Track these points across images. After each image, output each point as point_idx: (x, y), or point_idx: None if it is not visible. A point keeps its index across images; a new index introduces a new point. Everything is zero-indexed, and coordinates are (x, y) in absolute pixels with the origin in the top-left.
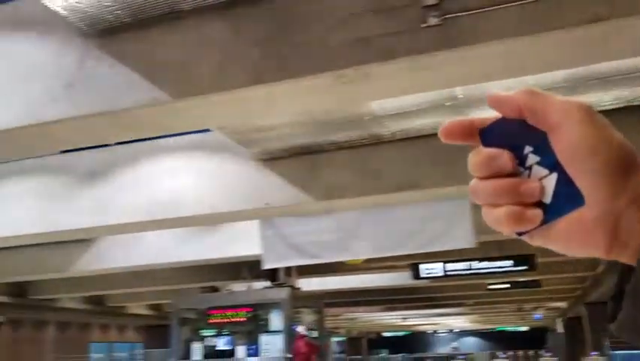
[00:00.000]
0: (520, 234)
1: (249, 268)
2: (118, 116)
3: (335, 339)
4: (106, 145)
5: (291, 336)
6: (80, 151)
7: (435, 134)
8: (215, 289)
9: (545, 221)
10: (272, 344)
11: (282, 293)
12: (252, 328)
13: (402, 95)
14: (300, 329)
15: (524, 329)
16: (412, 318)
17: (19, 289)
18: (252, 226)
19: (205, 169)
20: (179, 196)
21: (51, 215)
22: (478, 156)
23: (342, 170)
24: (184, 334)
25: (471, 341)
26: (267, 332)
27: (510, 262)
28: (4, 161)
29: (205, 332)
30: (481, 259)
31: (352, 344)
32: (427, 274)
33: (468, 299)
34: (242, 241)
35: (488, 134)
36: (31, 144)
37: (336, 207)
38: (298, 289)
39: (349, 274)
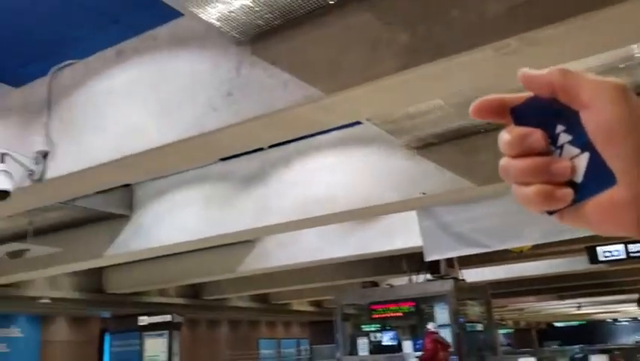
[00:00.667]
0: (550, 213)
1: (407, 261)
2: (274, 118)
3: (502, 331)
4: (260, 150)
5: (458, 330)
6: (237, 158)
7: None
8: (375, 284)
9: (576, 200)
10: None
11: (446, 285)
12: (416, 322)
13: (572, 60)
14: (430, 326)
15: None
16: (588, 306)
17: (194, 291)
18: (409, 217)
19: (356, 163)
20: (333, 192)
21: (217, 220)
22: (510, 134)
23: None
24: (348, 329)
25: None
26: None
27: None
28: (170, 174)
29: (369, 328)
30: None
31: (520, 336)
32: (605, 258)
33: None
34: (399, 234)
35: (520, 112)
36: (196, 154)
37: (497, 191)
38: (462, 280)
39: (515, 262)
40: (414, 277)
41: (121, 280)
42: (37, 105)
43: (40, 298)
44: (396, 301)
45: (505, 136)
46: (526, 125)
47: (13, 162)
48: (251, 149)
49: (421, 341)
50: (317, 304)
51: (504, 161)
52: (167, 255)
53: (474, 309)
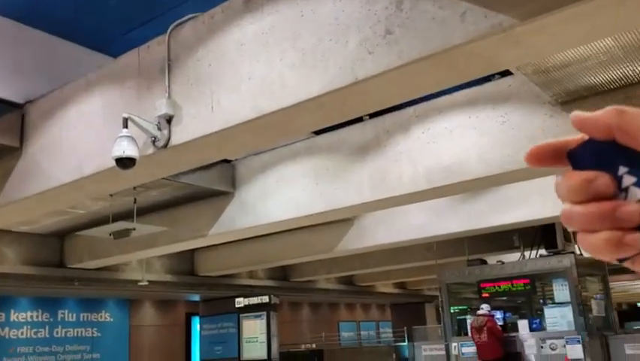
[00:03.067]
0: (621, 260)
1: (520, 236)
2: (448, 56)
3: None
4: (374, 115)
5: (579, 307)
6: (348, 127)
7: None
8: (483, 262)
9: None
10: (559, 317)
11: (565, 261)
12: (529, 300)
13: None
14: (483, 307)
15: None
16: None
17: (283, 273)
18: (524, 188)
19: (489, 124)
20: (462, 158)
21: (329, 194)
22: (573, 179)
23: None
24: (453, 308)
25: None
26: (552, 303)
27: None
28: (276, 146)
29: (474, 307)
30: None
31: None
32: None
33: None
34: (511, 206)
35: (577, 156)
36: (347, 108)
37: None
38: (580, 255)
39: None
40: (526, 254)
41: (213, 262)
42: (156, 66)
43: (140, 281)
44: (507, 279)
45: (567, 182)
46: (586, 168)
47: (135, 128)
48: (413, 97)
49: (538, 320)
50: (401, 285)
51: (567, 208)
52: (262, 235)
53: (593, 286)
